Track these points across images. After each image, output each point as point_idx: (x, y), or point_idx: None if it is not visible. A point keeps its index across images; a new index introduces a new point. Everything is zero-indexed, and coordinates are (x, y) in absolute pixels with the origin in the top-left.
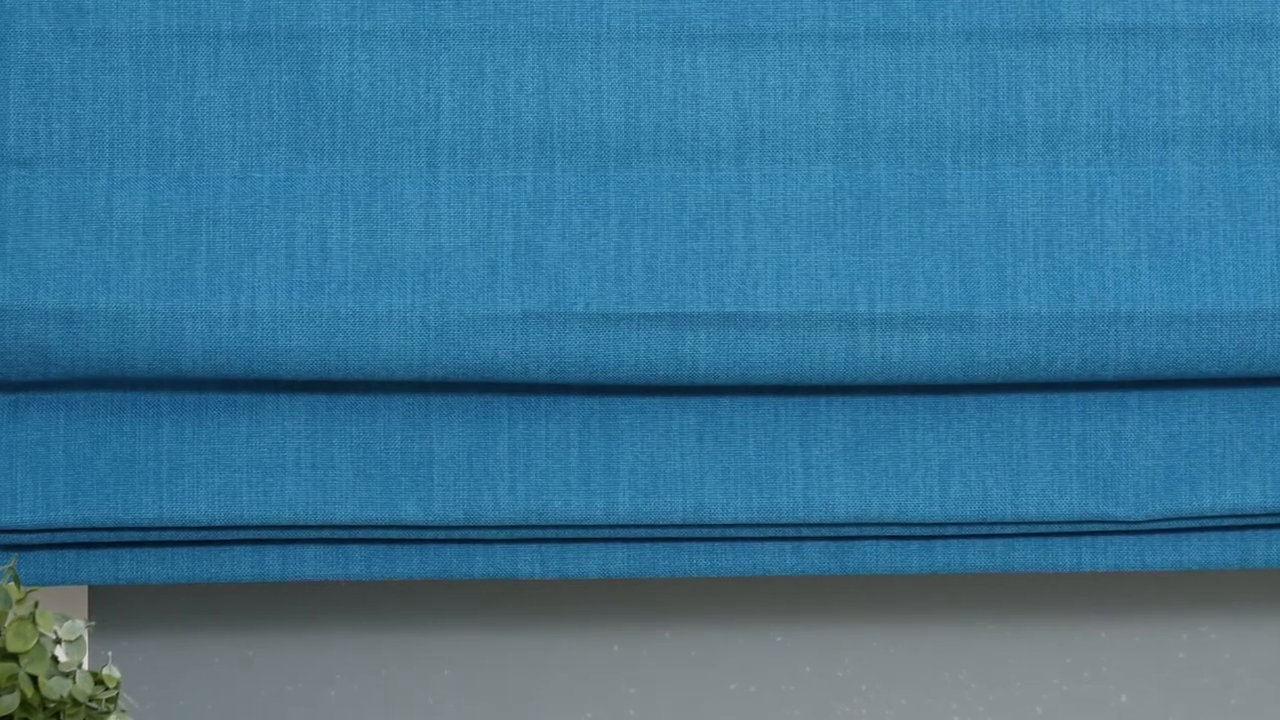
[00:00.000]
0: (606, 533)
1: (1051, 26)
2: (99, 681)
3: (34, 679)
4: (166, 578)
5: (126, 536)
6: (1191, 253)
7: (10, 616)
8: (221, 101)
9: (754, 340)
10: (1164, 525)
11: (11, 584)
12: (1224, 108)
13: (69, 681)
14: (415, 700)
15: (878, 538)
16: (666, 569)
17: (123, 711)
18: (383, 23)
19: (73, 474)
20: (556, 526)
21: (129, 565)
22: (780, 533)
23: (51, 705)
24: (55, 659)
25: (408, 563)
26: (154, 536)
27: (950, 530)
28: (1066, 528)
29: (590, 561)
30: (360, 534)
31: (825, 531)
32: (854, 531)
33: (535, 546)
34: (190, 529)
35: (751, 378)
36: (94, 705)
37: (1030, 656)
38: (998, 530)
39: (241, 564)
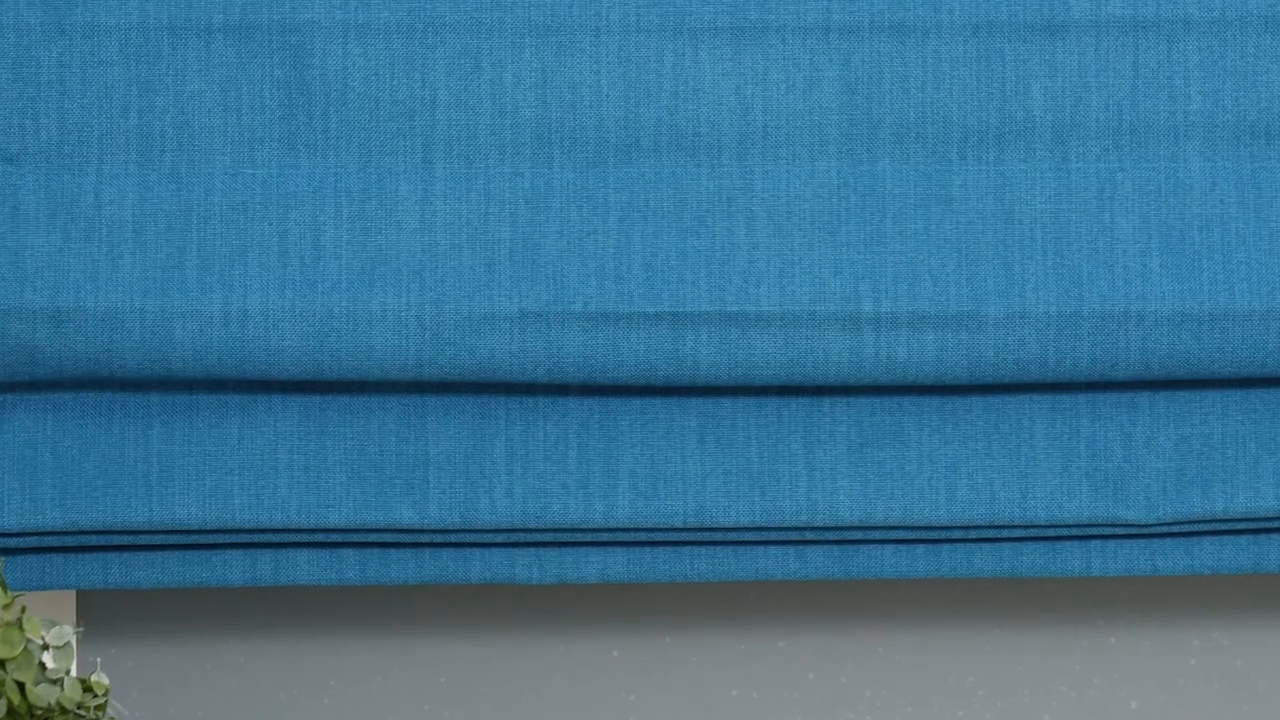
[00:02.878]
0: (606, 536)
1: (1060, 20)
2: (87, 688)
3: (21, 686)
4: (156, 582)
5: (115, 540)
6: (1203, 250)
7: None
8: (212, 96)
9: (756, 340)
10: (1175, 528)
11: None
12: (1236, 102)
13: (57, 689)
14: (411, 707)
15: (883, 541)
16: (667, 573)
17: (111, 719)
18: (377, 15)
19: (60, 476)
20: (555, 530)
21: (118, 569)
22: (783, 536)
23: (39, 713)
24: (43, 665)
25: (403, 567)
26: (144, 540)
27: (957, 534)
28: (1076, 531)
29: (589, 565)
30: (354, 538)
31: (829, 535)
32: (859, 535)
33: (533, 550)
34: (181, 532)
35: (754, 378)
36: (82, 713)
37: (1038, 662)
38: (1005, 533)
39: (233, 568)
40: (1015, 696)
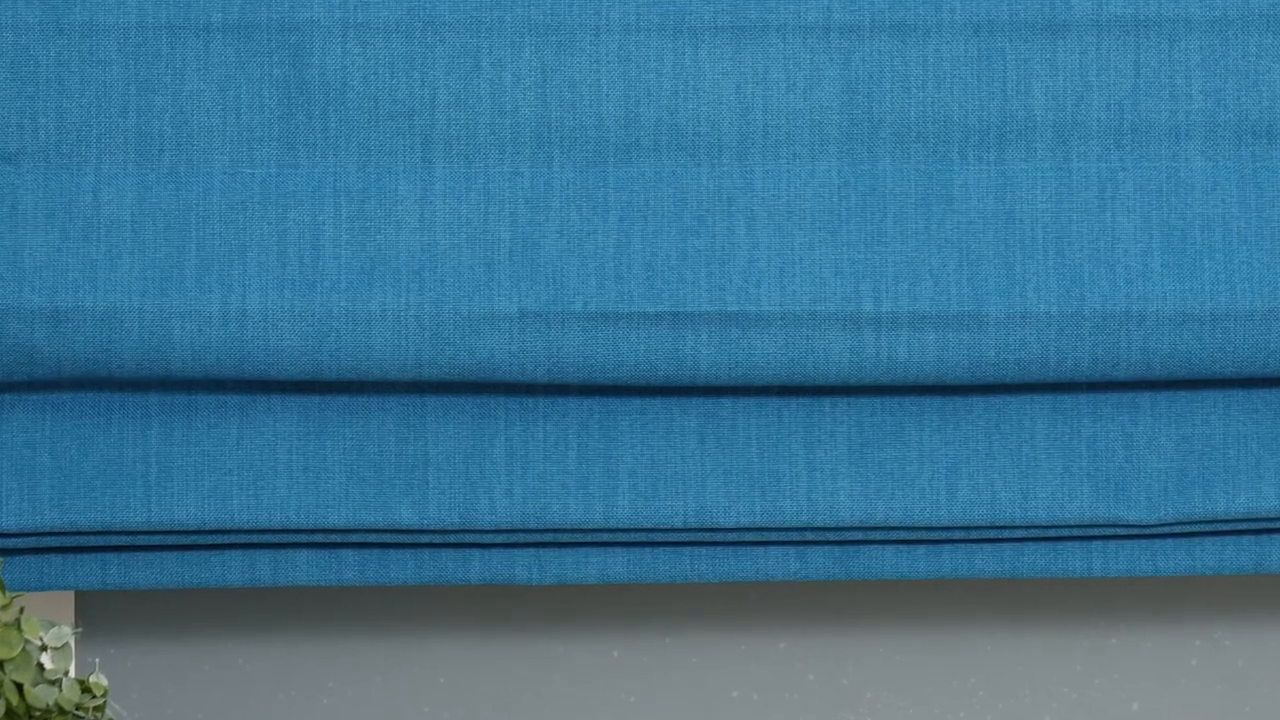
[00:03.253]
0: (606, 536)
1: (1061, 19)
2: (86, 689)
3: (19, 687)
4: (155, 583)
5: (114, 540)
6: (1205, 250)
7: None
8: (211, 95)
9: (756, 340)
10: (1176, 529)
11: None
12: (1238, 101)
13: (55, 689)
14: (410, 708)
15: (884, 542)
16: (667, 574)
17: (110, 719)
18: (376, 14)
19: (59, 476)
20: (554, 530)
21: (117, 570)
22: (784, 537)
23: (37, 714)
24: (41, 666)
25: (402, 568)
26: (142, 540)
27: (958, 534)
28: (1077, 531)
29: (589, 566)
30: (354, 538)
31: (830, 536)
32: (859, 536)
33: (533, 551)
34: (179, 533)
35: (754, 378)
36: (81, 714)
37: (1039, 663)
38: (1006, 534)
39: (232, 569)
40: (1016, 698)
